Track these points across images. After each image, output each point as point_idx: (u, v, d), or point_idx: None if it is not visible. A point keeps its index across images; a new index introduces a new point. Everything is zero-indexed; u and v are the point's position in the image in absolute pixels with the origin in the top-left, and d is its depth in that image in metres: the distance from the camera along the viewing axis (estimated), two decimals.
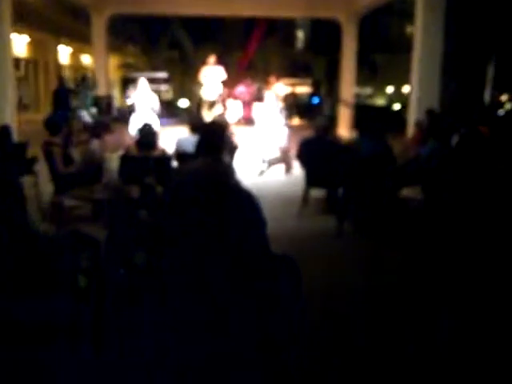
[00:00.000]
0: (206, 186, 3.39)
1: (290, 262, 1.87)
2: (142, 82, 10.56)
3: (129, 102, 10.99)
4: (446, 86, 11.16)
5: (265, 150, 9.73)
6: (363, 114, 12.35)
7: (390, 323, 3.75)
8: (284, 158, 9.79)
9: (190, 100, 16.72)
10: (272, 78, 13.00)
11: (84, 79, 11.68)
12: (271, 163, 10.01)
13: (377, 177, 4.94)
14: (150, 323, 2.63)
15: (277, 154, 9.91)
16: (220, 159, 3.67)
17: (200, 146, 3.50)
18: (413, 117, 9.56)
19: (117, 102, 13.84)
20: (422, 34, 9.41)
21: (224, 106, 12.44)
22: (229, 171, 3.57)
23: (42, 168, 6.49)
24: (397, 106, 26.32)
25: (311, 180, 6.00)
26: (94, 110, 10.70)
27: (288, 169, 9.57)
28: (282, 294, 1.79)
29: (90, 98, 11.09)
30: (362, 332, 3.62)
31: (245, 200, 1.88)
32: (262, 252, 1.83)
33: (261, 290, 1.77)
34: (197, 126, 5.48)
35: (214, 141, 3.51)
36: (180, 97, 18.55)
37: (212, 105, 12.51)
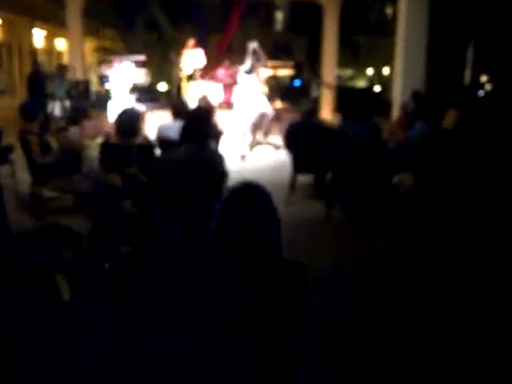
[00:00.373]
0: (195, 175, 3.27)
1: (301, 269, 1.73)
2: (122, 65, 10.30)
3: (107, 86, 10.67)
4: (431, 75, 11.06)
5: (245, 134, 9.60)
6: (349, 97, 12.21)
7: (379, 311, 3.67)
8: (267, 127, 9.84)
9: (168, 83, 16.42)
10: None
11: (60, 68, 11.29)
12: (252, 146, 9.88)
13: (366, 161, 4.82)
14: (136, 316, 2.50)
15: (256, 137, 9.85)
16: (206, 146, 3.52)
17: (185, 132, 3.34)
18: (397, 99, 9.45)
19: (94, 86, 13.44)
20: (406, 14, 9.27)
21: (203, 80, 12.18)
22: (216, 158, 3.41)
23: (18, 157, 6.24)
24: (377, 88, 26.31)
25: (298, 165, 5.86)
26: (67, 102, 10.35)
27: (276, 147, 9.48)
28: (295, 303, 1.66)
29: (64, 89, 10.75)
30: (352, 321, 3.53)
31: (264, 198, 1.75)
32: (276, 255, 1.70)
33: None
34: (180, 111, 5.28)
35: (200, 127, 3.35)
36: (159, 80, 18.20)
37: (190, 78, 12.21)
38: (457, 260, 4.30)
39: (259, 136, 10.29)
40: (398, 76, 9.67)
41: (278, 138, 11.15)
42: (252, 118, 9.59)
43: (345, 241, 5.05)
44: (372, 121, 5.45)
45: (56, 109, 10.05)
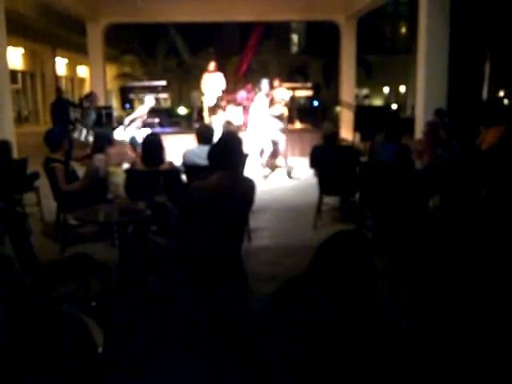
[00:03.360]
0: (229, 203, 3.23)
1: None
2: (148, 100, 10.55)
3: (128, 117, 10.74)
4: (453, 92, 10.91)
5: (263, 155, 9.67)
6: (372, 117, 12.13)
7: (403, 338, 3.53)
8: (285, 162, 9.86)
9: (188, 107, 16.52)
10: (276, 82, 12.82)
11: (89, 96, 11.41)
12: (272, 169, 9.90)
13: (398, 184, 4.72)
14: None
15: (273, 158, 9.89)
16: (239, 173, 3.49)
17: (217, 160, 3.29)
18: (420, 117, 9.33)
19: (115, 112, 13.60)
20: (427, 31, 9.19)
21: (224, 111, 12.26)
22: (248, 186, 3.37)
23: (43, 184, 6.28)
24: (394, 107, 26.23)
25: (325, 188, 5.79)
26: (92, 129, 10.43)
27: (289, 173, 9.56)
28: None
29: (91, 117, 10.85)
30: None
31: None
32: None
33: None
34: (206, 136, 5.26)
35: (233, 155, 3.31)
36: (178, 104, 18.33)
37: (213, 111, 12.33)
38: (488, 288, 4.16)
39: (278, 160, 10.29)
40: (420, 94, 9.56)
41: (299, 159, 11.13)
42: (262, 142, 9.65)
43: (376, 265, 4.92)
44: (401, 142, 5.36)
45: (82, 136, 10.12)
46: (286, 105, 12.54)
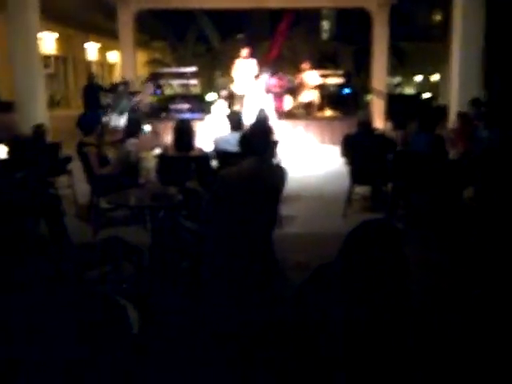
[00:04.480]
0: (260, 189, 3.23)
1: None
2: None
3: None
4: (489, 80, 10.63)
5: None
6: (407, 106, 11.96)
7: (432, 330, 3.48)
8: None
9: (217, 93, 16.48)
10: (305, 65, 12.71)
11: (124, 83, 11.50)
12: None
13: (432, 174, 4.64)
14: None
15: None
16: (269, 159, 3.48)
17: (248, 146, 3.29)
18: (454, 107, 9.16)
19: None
20: (463, 18, 8.99)
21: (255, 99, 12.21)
22: (279, 172, 3.36)
23: (76, 168, 6.37)
24: (426, 95, 25.76)
25: (357, 177, 5.73)
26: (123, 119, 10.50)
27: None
28: None
29: (126, 102, 10.94)
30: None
31: None
32: None
33: None
34: (236, 123, 5.25)
35: (262, 141, 3.30)
36: (208, 91, 18.34)
37: (243, 98, 12.29)
38: None
39: None
40: (454, 82, 9.37)
41: (328, 147, 11.05)
42: None
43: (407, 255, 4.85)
44: (435, 132, 5.26)
45: (115, 121, 10.22)
46: (316, 88, 12.41)
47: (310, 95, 12.48)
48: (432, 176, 4.60)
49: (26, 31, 8.87)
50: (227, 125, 5.56)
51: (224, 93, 11.07)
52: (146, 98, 11.09)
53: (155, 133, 8.28)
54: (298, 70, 13.11)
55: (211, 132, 7.00)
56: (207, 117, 8.74)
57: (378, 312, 1.68)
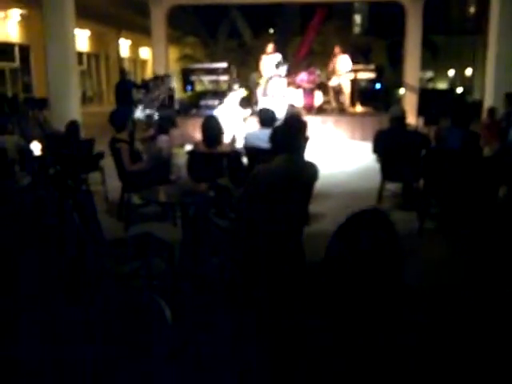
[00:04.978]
0: (294, 186, 3.22)
1: None
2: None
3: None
4: None
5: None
6: (439, 101, 11.71)
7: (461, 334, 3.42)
8: None
9: (246, 89, 16.46)
10: (336, 49, 12.58)
11: (157, 79, 11.61)
12: None
13: (467, 171, 4.53)
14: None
15: None
16: (302, 156, 3.47)
17: (281, 143, 3.27)
18: (490, 102, 8.95)
19: (177, 94, 13.76)
20: (500, 11, 8.76)
21: (283, 94, 12.16)
22: (312, 168, 3.33)
23: (108, 164, 6.45)
24: (459, 90, 25.25)
25: (388, 173, 5.65)
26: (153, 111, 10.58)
27: None
28: None
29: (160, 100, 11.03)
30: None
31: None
32: None
33: None
34: (268, 119, 5.23)
35: (296, 138, 3.28)
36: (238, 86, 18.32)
37: (271, 93, 12.25)
38: None
39: None
40: (489, 77, 9.16)
41: (359, 143, 10.94)
42: None
43: (439, 256, 4.76)
44: (469, 128, 5.15)
45: (144, 116, 10.31)
46: (347, 74, 12.22)
47: (341, 80, 12.33)
48: (465, 173, 4.50)
49: (62, 28, 9.03)
50: (258, 120, 5.53)
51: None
52: (164, 93, 11.17)
53: (186, 129, 8.32)
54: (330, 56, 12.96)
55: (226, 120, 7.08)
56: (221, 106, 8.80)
57: (372, 310, 1.62)
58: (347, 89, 12.56)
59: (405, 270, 1.78)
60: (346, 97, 12.63)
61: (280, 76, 11.40)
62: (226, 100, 9.25)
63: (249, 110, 9.96)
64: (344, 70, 12.38)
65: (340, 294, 1.64)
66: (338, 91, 12.61)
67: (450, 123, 5.47)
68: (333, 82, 12.51)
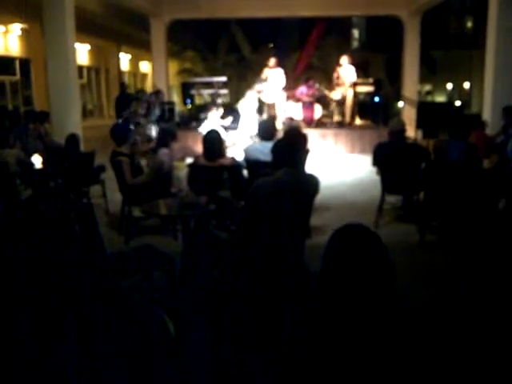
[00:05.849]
0: (296, 199, 3.23)
1: None
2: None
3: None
4: None
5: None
6: (438, 114, 11.77)
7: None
8: None
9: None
10: (343, 59, 12.59)
11: (157, 92, 11.68)
12: None
13: (467, 184, 4.55)
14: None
15: None
16: (303, 169, 3.48)
17: (282, 157, 3.28)
18: (488, 115, 8.99)
19: (177, 107, 13.84)
20: (497, 26, 8.83)
21: (283, 108, 12.23)
22: (313, 182, 3.35)
23: (109, 177, 6.47)
24: (457, 103, 25.39)
25: (388, 186, 5.67)
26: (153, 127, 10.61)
27: None
28: None
29: (155, 114, 11.07)
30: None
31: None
32: None
33: None
34: (268, 133, 5.25)
35: (297, 152, 3.29)
36: (237, 100, 18.46)
37: (272, 107, 12.33)
38: None
39: None
40: (487, 90, 9.21)
41: (359, 156, 10.98)
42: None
43: (440, 268, 4.76)
44: (469, 140, 5.17)
45: (152, 131, 10.34)
46: (351, 87, 12.21)
47: (344, 92, 12.34)
48: (465, 186, 4.52)
49: (62, 42, 9.07)
50: (260, 134, 5.55)
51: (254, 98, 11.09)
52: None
53: (186, 142, 8.36)
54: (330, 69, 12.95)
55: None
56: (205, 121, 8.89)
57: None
58: (350, 101, 12.59)
59: (404, 280, 1.78)
60: (348, 109, 12.66)
61: (259, 92, 11.50)
62: (210, 115, 9.29)
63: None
64: (349, 80, 12.40)
65: (333, 305, 1.65)
66: (341, 103, 12.63)
67: (449, 136, 5.50)
68: (336, 94, 12.51)
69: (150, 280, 3.82)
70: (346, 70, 12.44)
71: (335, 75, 12.69)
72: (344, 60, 12.59)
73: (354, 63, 12.94)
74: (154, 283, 3.80)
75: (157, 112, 11.01)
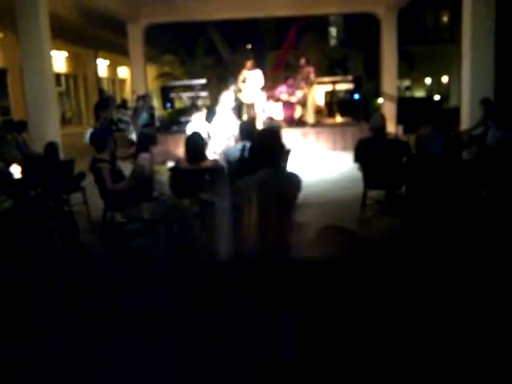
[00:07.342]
0: (277, 199, 3.21)
1: None
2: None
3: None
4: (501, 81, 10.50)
5: None
6: (417, 109, 11.86)
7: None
8: None
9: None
10: (302, 61, 12.63)
11: (144, 97, 11.58)
12: None
13: (449, 176, 4.56)
14: None
15: None
16: (283, 169, 3.46)
17: (261, 157, 3.26)
18: (467, 109, 9.08)
19: (157, 111, 13.78)
20: (472, 20, 8.91)
21: (263, 108, 12.21)
22: (295, 180, 3.33)
23: (90, 183, 6.40)
24: (436, 98, 25.65)
25: (370, 182, 5.69)
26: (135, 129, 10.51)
27: None
28: None
29: (144, 118, 10.99)
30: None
31: None
32: None
33: None
34: (248, 133, 5.23)
35: (275, 151, 3.27)
36: (217, 102, 18.45)
37: (251, 107, 12.31)
38: None
39: None
40: (465, 83, 9.28)
41: (340, 153, 11.02)
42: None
43: (425, 259, 4.79)
44: (449, 133, 5.21)
45: (129, 135, 10.27)
46: (312, 84, 12.20)
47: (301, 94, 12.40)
48: (446, 178, 4.55)
49: (38, 50, 8.97)
50: (240, 135, 5.53)
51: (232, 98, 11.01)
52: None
53: (167, 146, 8.33)
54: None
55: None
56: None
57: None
58: (315, 101, 12.63)
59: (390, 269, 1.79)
60: (314, 109, 12.64)
61: (235, 91, 11.48)
62: (194, 117, 9.26)
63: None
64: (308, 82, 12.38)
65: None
66: (303, 104, 12.63)
67: (431, 129, 5.53)
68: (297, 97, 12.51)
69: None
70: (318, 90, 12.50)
71: (299, 78, 12.66)
72: (303, 61, 12.63)
73: (330, 61, 13.00)
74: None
75: (145, 116, 10.95)
